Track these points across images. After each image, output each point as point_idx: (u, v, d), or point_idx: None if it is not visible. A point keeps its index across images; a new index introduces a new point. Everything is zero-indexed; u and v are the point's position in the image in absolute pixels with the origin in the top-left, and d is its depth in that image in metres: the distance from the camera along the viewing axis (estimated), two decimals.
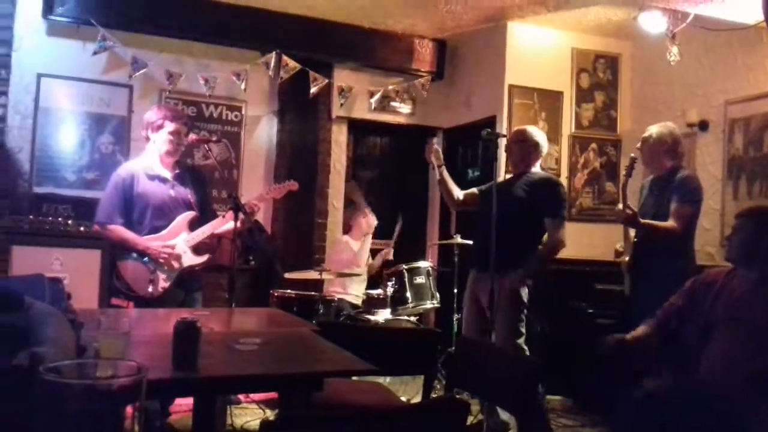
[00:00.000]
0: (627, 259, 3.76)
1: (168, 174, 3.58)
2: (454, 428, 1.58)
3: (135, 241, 3.46)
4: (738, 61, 4.53)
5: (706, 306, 2.66)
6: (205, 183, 3.87)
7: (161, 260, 3.46)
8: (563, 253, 5.27)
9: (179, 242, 3.54)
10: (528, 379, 2.11)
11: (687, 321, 2.72)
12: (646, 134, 3.82)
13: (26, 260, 3.94)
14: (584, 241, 5.30)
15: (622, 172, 3.94)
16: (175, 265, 3.51)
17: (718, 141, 4.64)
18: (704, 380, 2.53)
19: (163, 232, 3.52)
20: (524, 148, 3.85)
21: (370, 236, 5.22)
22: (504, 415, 3.61)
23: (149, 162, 3.57)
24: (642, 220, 3.60)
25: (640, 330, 2.74)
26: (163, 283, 3.49)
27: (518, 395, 2.10)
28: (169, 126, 3.51)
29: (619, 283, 3.92)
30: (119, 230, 3.47)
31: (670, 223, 3.57)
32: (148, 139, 3.60)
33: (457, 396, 2.48)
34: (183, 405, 3.51)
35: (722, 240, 4.49)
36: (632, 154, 3.93)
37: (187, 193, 3.62)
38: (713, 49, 4.66)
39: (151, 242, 3.46)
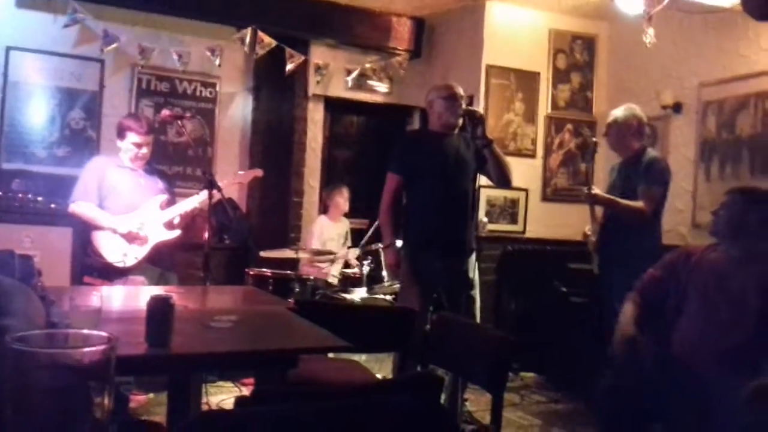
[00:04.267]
0: (594, 239, 3.82)
1: (138, 167, 3.73)
2: (429, 403, 1.58)
3: (102, 221, 3.56)
4: (713, 43, 4.58)
5: (683, 279, 2.69)
6: (171, 185, 4.02)
7: (127, 240, 3.57)
8: (537, 233, 5.36)
9: (150, 220, 3.61)
10: (502, 356, 2.13)
11: (665, 293, 2.73)
12: (611, 119, 3.85)
13: None
14: (558, 221, 5.37)
15: (585, 155, 4.02)
16: (142, 243, 3.59)
17: (692, 123, 4.70)
18: (678, 356, 2.56)
19: (135, 212, 3.61)
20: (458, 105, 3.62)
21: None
22: None
23: (120, 159, 3.72)
24: (604, 195, 3.73)
25: (631, 312, 2.71)
26: (135, 253, 3.56)
27: (491, 372, 2.12)
28: (132, 137, 3.64)
29: (591, 262, 3.97)
30: (91, 208, 3.56)
31: (639, 203, 3.63)
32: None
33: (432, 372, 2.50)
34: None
35: (693, 221, 4.57)
36: (594, 138, 4.00)
37: (156, 181, 3.78)
38: (689, 31, 4.70)
39: (119, 223, 3.54)
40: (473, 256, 3.64)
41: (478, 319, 3.64)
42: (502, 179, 3.63)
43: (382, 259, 4.30)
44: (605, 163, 4.36)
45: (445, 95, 3.62)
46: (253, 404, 1.38)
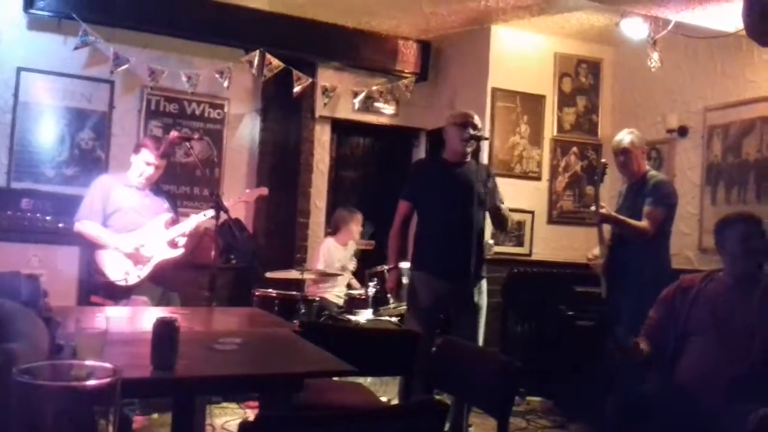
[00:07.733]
0: (601, 261, 3.80)
1: (142, 187, 3.77)
2: (434, 430, 1.58)
3: (106, 240, 3.59)
4: (717, 68, 4.59)
5: (684, 313, 2.68)
6: (176, 206, 4.05)
7: (130, 259, 3.59)
8: (543, 256, 5.35)
9: (154, 238, 3.63)
10: (507, 381, 2.11)
11: (667, 330, 2.73)
12: (625, 143, 3.80)
13: (3, 256, 3.89)
14: (564, 244, 5.36)
15: (595, 177, 4.04)
16: (144, 261, 3.61)
17: (697, 147, 4.70)
18: (683, 386, 2.54)
19: (139, 230, 3.63)
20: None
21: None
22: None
23: (128, 177, 3.76)
24: (612, 213, 3.73)
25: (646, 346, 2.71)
26: (137, 271, 3.58)
27: (497, 397, 2.11)
28: (145, 154, 3.70)
29: (598, 285, 3.95)
30: (95, 227, 3.60)
31: (642, 222, 3.63)
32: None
33: (437, 397, 2.49)
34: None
35: (700, 244, 4.55)
36: (603, 160, 4.01)
37: (161, 201, 3.81)
38: (693, 56, 4.72)
39: (122, 242, 3.57)
40: (482, 283, 3.63)
41: (480, 344, 3.63)
42: (499, 227, 3.84)
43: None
44: (611, 186, 4.37)
45: (458, 122, 3.62)
46: (257, 430, 1.38)
